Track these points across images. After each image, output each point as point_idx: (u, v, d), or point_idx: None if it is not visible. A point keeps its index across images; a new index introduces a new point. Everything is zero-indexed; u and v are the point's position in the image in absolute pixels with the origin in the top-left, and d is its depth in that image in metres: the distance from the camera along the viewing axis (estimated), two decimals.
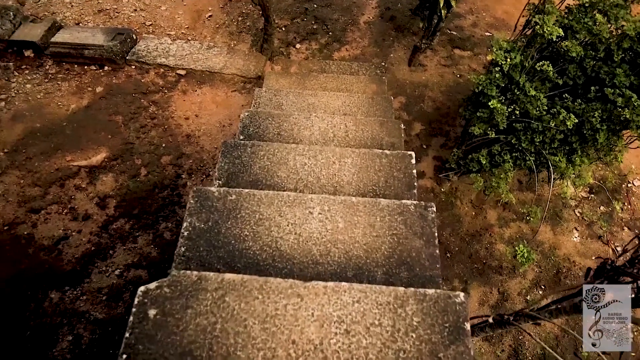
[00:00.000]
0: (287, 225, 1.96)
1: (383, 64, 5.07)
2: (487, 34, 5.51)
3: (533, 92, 3.05)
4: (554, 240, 4.01)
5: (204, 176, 3.84)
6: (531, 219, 4.04)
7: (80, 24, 5.08)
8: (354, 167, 2.48)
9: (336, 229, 1.95)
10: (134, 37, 4.58)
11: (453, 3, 4.05)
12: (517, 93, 3.14)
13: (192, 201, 2.01)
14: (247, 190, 2.06)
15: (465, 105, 3.56)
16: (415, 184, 2.44)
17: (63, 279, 3.25)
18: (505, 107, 3.15)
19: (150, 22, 5.21)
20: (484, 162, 3.50)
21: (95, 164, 3.77)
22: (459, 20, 5.60)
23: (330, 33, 5.35)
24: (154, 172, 3.80)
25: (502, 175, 3.49)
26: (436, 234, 1.94)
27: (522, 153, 3.43)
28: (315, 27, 5.40)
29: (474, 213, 4.15)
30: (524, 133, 3.28)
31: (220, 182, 2.43)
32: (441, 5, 4.01)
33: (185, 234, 1.92)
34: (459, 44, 5.33)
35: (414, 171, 2.48)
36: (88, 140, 3.92)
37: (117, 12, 5.28)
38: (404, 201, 2.04)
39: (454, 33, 5.43)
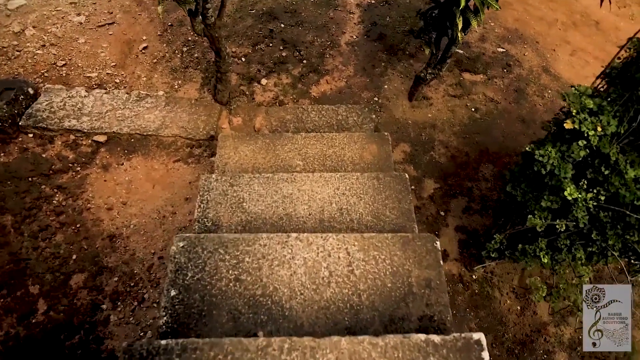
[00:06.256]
0: None
1: (376, 99, 3.90)
2: (500, 49, 4.42)
3: (632, 174, 1.94)
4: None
5: (136, 303, 2.59)
6: None
7: None
8: None
9: None
10: (31, 91, 3.26)
11: (473, 22, 2.91)
12: (606, 172, 2.03)
13: None
14: None
15: (513, 180, 2.44)
16: None
17: None
18: (585, 193, 2.04)
19: (64, 62, 3.89)
20: (545, 261, 2.38)
21: None
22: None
23: (305, 61, 4.15)
24: (58, 305, 2.53)
25: (574, 281, 2.40)
26: None
27: (604, 248, 2.33)
28: (284, 54, 4.18)
29: (519, 308, 3.04)
30: (611, 226, 2.18)
31: None
32: (460, 26, 2.86)
33: None
34: (468, 66, 4.21)
35: None
36: None
37: (17, 51, 3.92)
38: None
39: (460, 51, 4.31)
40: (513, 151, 3.65)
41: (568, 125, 1.87)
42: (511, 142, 3.73)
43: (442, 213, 3.35)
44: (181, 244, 1.83)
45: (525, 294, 3.10)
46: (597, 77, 2.09)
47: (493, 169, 3.55)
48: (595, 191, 2.07)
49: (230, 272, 1.78)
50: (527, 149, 2.18)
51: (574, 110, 1.88)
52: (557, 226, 2.20)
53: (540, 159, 2.01)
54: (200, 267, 1.78)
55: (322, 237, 1.87)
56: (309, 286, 1.75)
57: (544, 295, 2.40)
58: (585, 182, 2.03)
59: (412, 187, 3.44)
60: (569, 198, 1.98)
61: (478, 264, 3.10)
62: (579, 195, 2.00)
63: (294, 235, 1.88)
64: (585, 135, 1.87)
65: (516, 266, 3.17)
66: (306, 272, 1.78)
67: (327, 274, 1.78)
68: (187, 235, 1.87)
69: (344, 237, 1.88)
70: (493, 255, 2.78)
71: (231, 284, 1.75)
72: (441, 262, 1.85)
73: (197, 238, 1.86)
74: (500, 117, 3.89)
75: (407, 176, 2.42)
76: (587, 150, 1.92)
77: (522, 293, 3.10)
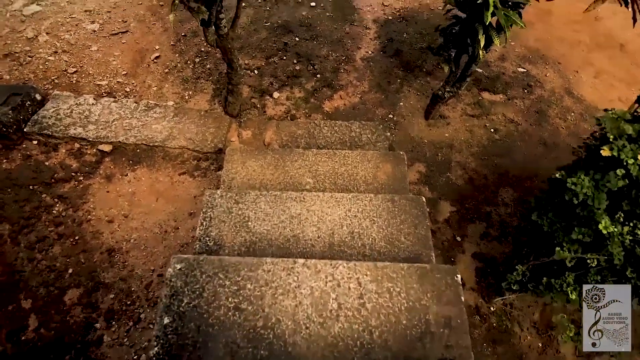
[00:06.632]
0: None
1: (391, 116, 3.77)
2: (521, 69, 4.27)
3: None
4: None
5: (131, 323, 2.44)
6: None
7: None
8: None
9: None
10: (38, 97, 3.19)
11: (496, 40, 2.78)
12: None
13: None
14: None
15: (539, 208, 2.26)
16: None
17: None
18: (622, 227, 1.86)
19: (75, 69, 3.84)
20: (573, 297, 2.19)
21: None
22: None
23: (318, 75, 4.05)
24: (50, 322, 2.40)
25: None
26: None
27: (639, 287, 2.13)
28: (298, 67, 4.09)
29: (540, 345, 2.82)
30: None
31: None
32: (482, 44, 2.73)
33: None
34: (487, 85, 4.07)
35: None
36: None
37: (29, 56, 3.89)
38: None
39: (479, 70, 4.18)
40: (534, 175, 3.47)
41: (605, 152, 1.70)
42: (532, 165, 3.56)
43: (459, 238, 3.16)
44: (178, 266, 1.69)
45: (547, 329, 2.88)
46: (636, 102, 1.93)
47: (513, 193, 3.37)
48: (631, 225, 1.89)
49: (229, 299, 1.63)
50: (556, 175, 2.02)
51: (611, 136, 1.72)
52: (588, 261, 2.02)
53: (573, 187, 1.85)
54: (197, 292, 1.64)
55: (331, 264, 1.72)
56: (315, 319, 1.59)
57: (571, 335, 2.20)
58: (622, 215, 1.85)
59: (427, 209, 3.28)
60: (604, 232, 1.81)
61: (496, 295, 2.90)
62: (615, 229, 1.82)
63: (300, 261, 1.73)
64: (625, 163, 1.71)
65: (537, 299, 2.96)
66: (313, 303, 1.62)
67: (335, 306, 1.62)
68: (186, 256, 1.73)
69: (356, 265, 1.72)
70: (514, 288, 2.58)
71: (230, 313, 1.59)
72: (462, 297, 1.68)
73: (196, 260, 1.72)
74: (520, 139, 3.72)
75: (424, 199, 2.26)
76: (626, 180, 1.75)
77: (543, 329, 2.88)
